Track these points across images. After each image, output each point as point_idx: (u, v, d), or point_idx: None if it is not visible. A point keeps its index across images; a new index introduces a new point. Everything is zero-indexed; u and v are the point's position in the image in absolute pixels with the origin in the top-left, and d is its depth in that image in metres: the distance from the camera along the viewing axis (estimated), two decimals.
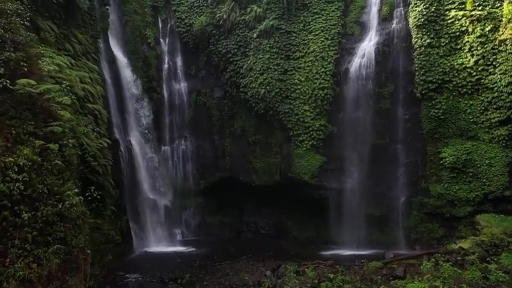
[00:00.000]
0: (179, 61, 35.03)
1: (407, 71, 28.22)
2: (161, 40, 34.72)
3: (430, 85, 27.23)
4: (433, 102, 27.27)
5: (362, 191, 28.52)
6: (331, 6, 31.16)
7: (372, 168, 28.43)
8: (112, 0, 31.19)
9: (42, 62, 15.45)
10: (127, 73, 30.23)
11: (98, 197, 15.35)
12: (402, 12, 29.07)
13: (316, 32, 30.77)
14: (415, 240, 27.12)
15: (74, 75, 20.26)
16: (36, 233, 10.61)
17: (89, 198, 14.26)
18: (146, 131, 30.95)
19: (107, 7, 29.82)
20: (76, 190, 12.22)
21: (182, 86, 34.62)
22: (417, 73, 27.52)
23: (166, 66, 34.48)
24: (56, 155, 12.15)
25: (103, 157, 22.68)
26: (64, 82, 16.24)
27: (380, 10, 30.15)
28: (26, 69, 12.37)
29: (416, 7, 28.11)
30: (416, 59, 27.67)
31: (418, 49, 27.60)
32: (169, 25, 35.08)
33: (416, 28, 27.86)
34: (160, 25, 34.82)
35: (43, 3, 19.65)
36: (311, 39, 30.80)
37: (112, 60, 29.40)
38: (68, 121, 13.70)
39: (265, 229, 32.91)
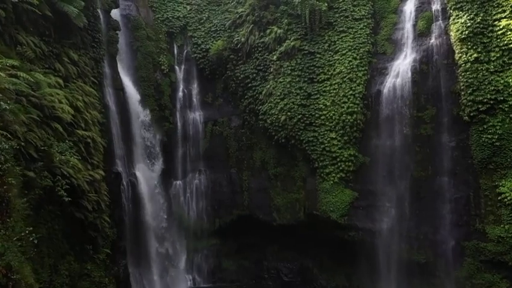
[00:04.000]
0: (195, 89, 32.72)
1: (451, 91, 24.98)
2: (176, 67, 32.64)
3: (480, 106, 23.29)
4: (485, 127, 23.31)
5: (402, 232, 25.16)
6: (359, 23, 28.34)
7: (413, 206, 25.12)
8: (123, 25, 29.64)
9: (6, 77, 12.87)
10: (135, 101, 28.05)
11: None
12: (442, 25, 25.85)
13: (343, 52, 27.84)
14: None
15: (60, 97, 17.70)
16: None
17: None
18: (155, 164, 28.09)
19: (117, 32, 28.04)
20: None
21: (197, 114, 32.09)
22: (463, 93, 24.06)
23: (180, 94, 32.19)
24: None
25: (95, 191, 19.69)
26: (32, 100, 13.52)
27: (415, 25, 27.10)
28: None
29: (458, 19, 24.66)
30: (461, 77, 24.14)
31: (463, 65, 24.09)
32: (185, 51, 33.09)
33: (459, 42, 24.40)
34: (176, 51, 32.91)
35: (29, 18, 17.57)
36: (337, 59, 27.88)
37: (120, 87, 27.26)
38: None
39: (289, 276, 29.14)
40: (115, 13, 28.87)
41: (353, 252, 26.17)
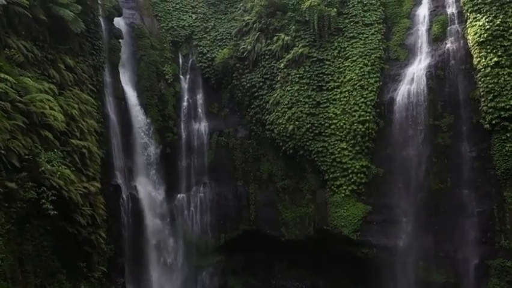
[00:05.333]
0: (200, 99, 31.68)
1: (470, 97, 23.75)
2: (181, 77, 31.71)
3: (502, 113, 21.96)
4: (508, 135, 22.09)
5: (419, 250, 23.56)
6: (370, 29, 27.29)
7: (431, 220, 23.64)
8: (126, 34, 28.95)
9: None
10: (137, 111, 27.17)
11: None
12: (458, 29, 24.77)
13: (354, 58, 26.73)
14: None
15: (53, 104, 16.69)
16: None
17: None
18: (157, 176, 26.93)
19: (120, 40, 27.29)
20: None
21: (202, 125, 30.96)
22: (483, 99, 22.74)
23: (185, 104, 31.17)
24: None
25: (90, 205, 18.52)
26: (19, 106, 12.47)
27: (429, 29, 26.02)
28: None
29: (475, 22, 23.45)
30: (480, 83, 22.88)
31: (483, 70, 22.82)
32: (190, 61, 32.21)
33: (477, 46, 23.18)
34: (181, 61, 32.05)
35: (21, 22, 16.73)
36: (347, 66, 26.77)
37: (121, 96, 26.46)
38: None
39: None
40: (119, 22, 28.25)
41: (366, 271, 24.63)
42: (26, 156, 13.65)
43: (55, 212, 14.25)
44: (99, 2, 24.88)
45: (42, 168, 13.99)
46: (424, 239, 23.19)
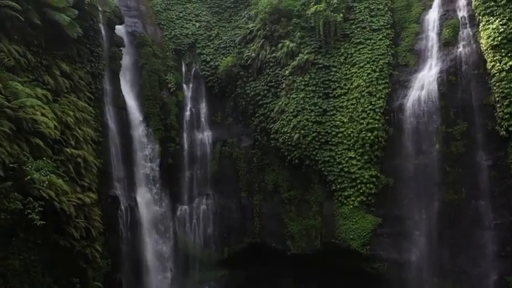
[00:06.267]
0: (203, 108, 30.92)
1: (484, 103, 22.66)
2: (184, 85, 31.00)
3: None
4: None
5: (434, 264, 22.28)
6: (378, 34, 26.53)
7: (446, 233, 22.38)
8: (128, 42, 28.43)
9: None
10: (137, 120, 26.44)
11: None
12: (470, 33, 23.85)
13: (361, 64, 25.89)
14: None
15: (46, 111, 15.95)
16: None
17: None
18: (158, 187, 26.03)
19: (121, 48, 26.75)
20: None
21: (205, 135, 30.12)
22: (498, 105, 21.73)
23: (188, 113, 30.42)
24: None
25: (84, 217, 17.63)
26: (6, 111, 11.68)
27: (439, 34, 25.15)
28: None
29: (488, 24, 22.52)
30: (495, 88, 21.91)
31: (497, 75, 21.86)
32: (193, 69, 31.55)
33: (491, 50, 22.26)
34: (184, 69, 31.39)
35: (13, 25, 16.10)
36: (355, 72, 25.92)
37: (122, 105, 25.83)
38: None
39: None
40: (120, 30, 27.76)
41: (377, 287, 23.41)
42: (11, 165, 12.80)
43: (42, 223, 13.32)
44: (99, 9, 24.36)
45: (29, 178, 13.11)
46: (438, 253, 21.90)
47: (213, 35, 31.49)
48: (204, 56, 31.02)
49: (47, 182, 13.77)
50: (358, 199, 23.94)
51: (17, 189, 12.83)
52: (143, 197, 25.02)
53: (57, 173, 16.18)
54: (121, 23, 27.37)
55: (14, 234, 13.39)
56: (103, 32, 24.96)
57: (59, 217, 15.98)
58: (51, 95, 17.78)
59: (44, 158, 14.40)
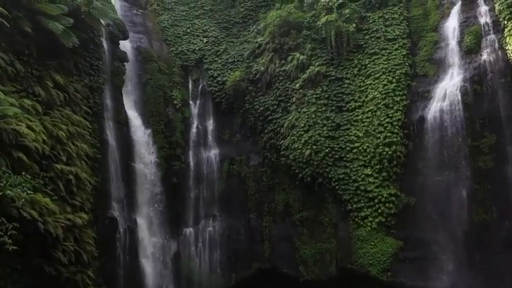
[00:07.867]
0: (210, 125, 29.59)
1: None
2: (190, 102, 29.84)
3: None
4: None
5: None
6: (393, 44, 25.18)
7: (476, 258, 20.10)
8: (133, 57, 27.56)
9: None
10: (140, 137, 25.13)
11: None
12: (495, 39, 22.13)
13: (376, 75, 24.49)
14: None
15: (33, 123, 14.72)
16: None
17: None
18: (161, 208, 24.47)
19: (124, 63, 25.82)
20: None
21: (212, 153, 28.65)
22: None
23: (194, 130, 29.12)
24: None
25: (74, 240, 16.09)
26: None
27: (460, 42, 23.65)
28: None
29: None
30: None
31: None
32: (200, 85, 30.41)
33: None
34: (190, 86, 30.31)
35: (0, 33, 15.11)
36: (370, 84, 24.47)
37: (123, 121, 24.59)
38: None
39: None
40: (125, 45, 26.90)
41: None
42: None
43: (14, 248, 11.75)
44: (103, 23, 23.60)
45: (1, 194, 11.67)
46: (469, 280, 19.48)
47: (221, 50, 30.51)
48: (211, 71, 29.93)
49: (25, 200, 12.33)
50: (376, 220, 21.95)
51: None
52: (145, 218, 23.45)
53: (44, 190, 14.81)
54: (125, 38, 26.53)
55: None
56: (105, 46, 24.07)
57: (45, 239, 14.50)
58: (42, 108, 16.63)
59: (23, 173, 13.00)
